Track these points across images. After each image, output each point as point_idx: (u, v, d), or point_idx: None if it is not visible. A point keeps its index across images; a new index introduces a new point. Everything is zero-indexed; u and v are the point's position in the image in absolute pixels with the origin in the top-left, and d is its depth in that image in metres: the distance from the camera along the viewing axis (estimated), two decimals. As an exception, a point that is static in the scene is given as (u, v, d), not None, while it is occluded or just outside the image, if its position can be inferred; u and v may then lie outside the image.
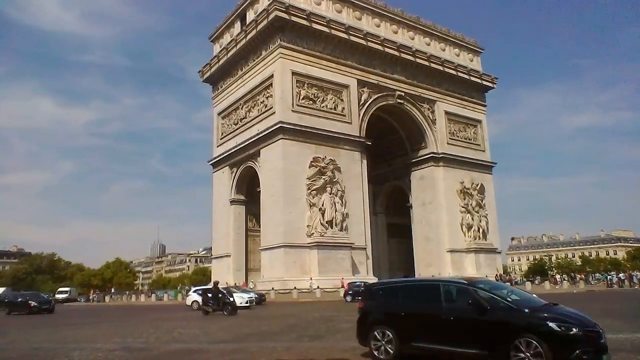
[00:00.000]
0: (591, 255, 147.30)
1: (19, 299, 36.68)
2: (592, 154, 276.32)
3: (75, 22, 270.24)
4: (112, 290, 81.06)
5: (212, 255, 65.63)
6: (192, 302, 32.49)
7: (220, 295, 25.73)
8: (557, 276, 74.02)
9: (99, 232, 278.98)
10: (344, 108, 52.48)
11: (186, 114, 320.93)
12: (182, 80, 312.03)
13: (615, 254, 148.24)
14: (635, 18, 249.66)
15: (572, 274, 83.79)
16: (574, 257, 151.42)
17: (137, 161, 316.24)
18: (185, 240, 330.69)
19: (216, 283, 28.89)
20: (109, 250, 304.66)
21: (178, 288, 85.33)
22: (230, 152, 56.23)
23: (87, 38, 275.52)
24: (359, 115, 53.63)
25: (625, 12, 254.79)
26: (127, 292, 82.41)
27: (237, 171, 56.52)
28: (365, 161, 53.44)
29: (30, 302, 34.47)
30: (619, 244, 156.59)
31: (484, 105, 68.33)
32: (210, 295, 26.13)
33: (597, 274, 75.33)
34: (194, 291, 35.07)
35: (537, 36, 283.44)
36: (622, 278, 56.27)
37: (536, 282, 64.90)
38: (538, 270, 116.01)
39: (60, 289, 74.78)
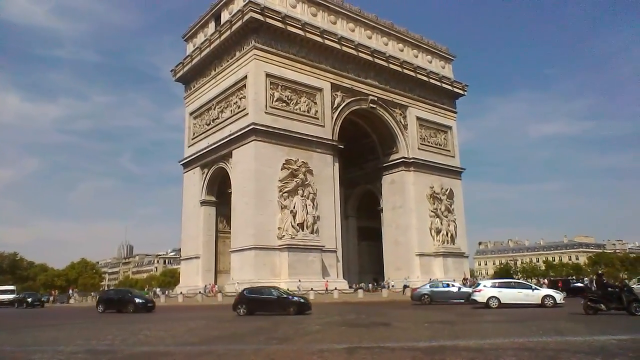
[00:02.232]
0: (554, 260, 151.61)
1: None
2: (557, 162, 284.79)
3: (45, 16, 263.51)
4: (70, 291, 78.30)
5: (181, 256, 64.81)
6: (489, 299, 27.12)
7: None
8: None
9: (64, 231, 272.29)
10: (317, 111, 52.69)
11: (158, 113, 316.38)
12: (154, 78, 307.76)
13: (577, 259, 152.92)
14: (602, 30, 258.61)
15: (537, 279, 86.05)
16: (538, 261, 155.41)
17: (107, 160, 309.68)
18: (153, 241, 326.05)
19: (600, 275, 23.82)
20: (74, 251, 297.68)
21: (145, 289, 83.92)
22: (201, 152, 55.71)
23: (57, 32, 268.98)
24: (332, 118, 53.92)
25: (592, 24, 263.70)
26: (92, 293, 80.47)
27: (208, 172, 56.02)
28: (337, 164, 53.74)
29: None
30: (581, 249, 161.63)
31: (455, 112, 69.62)
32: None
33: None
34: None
35: (508, 46, 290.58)
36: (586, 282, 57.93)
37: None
38: (504, 275, 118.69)
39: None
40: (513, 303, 26.39)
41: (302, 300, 25.66)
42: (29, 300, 50.73)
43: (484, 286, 28.05)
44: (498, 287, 27.62)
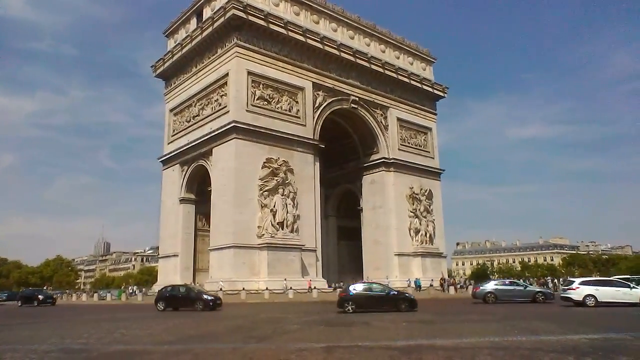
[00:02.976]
0: (530, 261, 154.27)
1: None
2: (534, 164, 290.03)
3: (23, 7, 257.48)
4: (44, 289, 76.74)
5: (159, 254, 64.10)
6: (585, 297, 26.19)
7: None
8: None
9: (40, 228, 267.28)
10: (298, 110, 52.65)
11: (137, 109, 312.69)
12: (134, 74, 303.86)
13: (552, 260, 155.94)
14: (579, 37, 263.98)
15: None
16: (514, 262, 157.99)
17: (84, 156, 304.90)
18: (131, 239, 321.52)
19: None
20: (50, 248, 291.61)
21: (122, 287, 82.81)
22: (181, 149, 55.16)
23: (34, 25, 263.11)
24: (314, 118, 53.94)
25: (570, 30, 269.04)
26: (67, 290, 79.07)
27: (187, 169, 55.51)
28: (318, 164, 53.79)
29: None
30: (556, 250, 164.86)
31: (435, 114, 70.28)
32: None
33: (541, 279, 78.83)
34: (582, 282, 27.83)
35: (487, 49, 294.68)
36: (556, 283, 59.39)
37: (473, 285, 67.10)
38: (481, 275, 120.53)
39: None
40: (611, 302, 25.68)
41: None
42: (41, 297, 45.47)
43: (580, 284, 27.05)
44: (594, 285, 26.85)
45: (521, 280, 43.22)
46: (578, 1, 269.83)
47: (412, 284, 51.23)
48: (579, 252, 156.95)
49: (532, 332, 14.18)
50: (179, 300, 29.63)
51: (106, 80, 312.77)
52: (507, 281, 36.97)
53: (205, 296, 28.93)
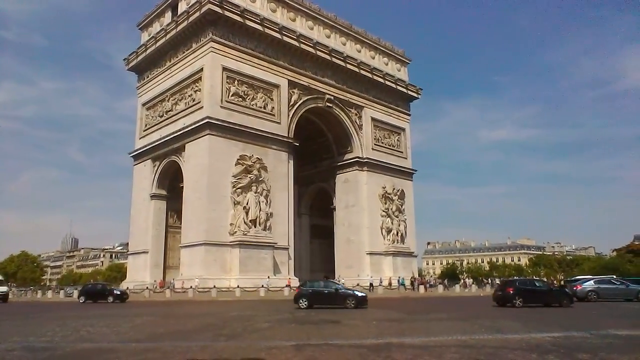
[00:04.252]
0: (498, 261, 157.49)
1: None
2: (504, 166, 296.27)
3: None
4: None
5: (128, 251, 63.02)
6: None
7: None
8: (468, 280, 78.35)
9: (4, 222, 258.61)
10: (273, 107, 52.50)
11: (109, 102, 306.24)
12: (106, 66, 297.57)
13: (519, 260, 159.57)
14: (550, 43, 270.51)
15: (481, 279, 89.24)
16: (483, 262, 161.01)
17: (53, 149, 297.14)
18: (100, 235, 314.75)
19: None
20: (15, 243, 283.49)
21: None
22: (153, 144, 54.35)
23: (1, 13, 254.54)
24: (289, 116, 53.87)
25: (542, 36, 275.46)
26: (32, 287, 76.90)
27: (159, 165, 54.74)
28: (292, 162, 53.78)
29: None
30: (523, 251, 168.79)
31: (409, 114, 71.07)
32: None
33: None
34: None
35: (461, 52, 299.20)
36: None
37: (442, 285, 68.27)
38: (450, 274, 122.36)
39: None
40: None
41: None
42: (117, 292, 38.54)
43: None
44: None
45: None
46: (550, 8, 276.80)
47: (396, 282, 52.30)
48: (545, 252, 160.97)
49: (498, 331, 14.50)
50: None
51: (77, 72, 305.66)
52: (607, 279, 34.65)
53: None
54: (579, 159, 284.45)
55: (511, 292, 25.86)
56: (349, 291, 27.53)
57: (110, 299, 36.71)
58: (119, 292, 38.25)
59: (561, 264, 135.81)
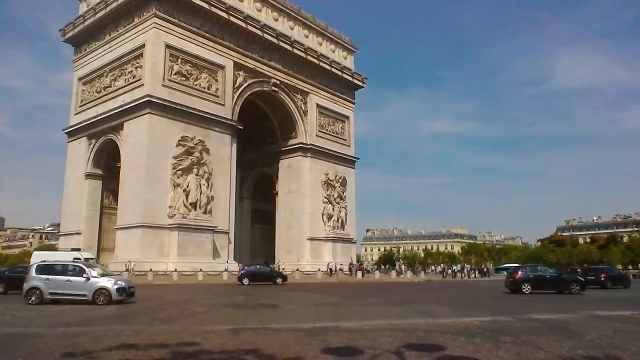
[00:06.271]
0: (433, 249, 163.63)
1: None
2: (442, 157, 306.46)
3: None
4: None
5: (60, 231, 60.18)
6: None
7: None
8: (403, 267, 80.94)
9: None
10: (217, 89, 51.44)
11: (43, 75, 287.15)
12: (41, 36, 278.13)
13: (452, 248, 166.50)
14: (490, 40, 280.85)
15: (415, 265, 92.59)
16: (419, 249, 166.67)
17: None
18: (30, 214, 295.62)
19: None
20: None
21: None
22: (89, 121, 51.88)
23: None
24: (233, 98, 52.99)
25: (482, 32, 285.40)
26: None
27: (95, 143, 52.39)
28: (235, 145, 53.08)
29: None
30: (456, 239, 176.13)
31: (353, 103, 71.80)
32: None
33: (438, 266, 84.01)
34: None
35: (406, 44, 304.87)
36: (456, 270, 63.72)
37: (379, 271, 70.21)
38: (387, 261, 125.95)
39: None
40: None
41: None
42: (279, 281, 37.67)
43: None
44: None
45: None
46: (492, 6, 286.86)
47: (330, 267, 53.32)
48: (476, 241, 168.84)
49: (430, 315, 15.17)
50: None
51: (6, 41, 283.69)
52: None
53: None
54: (511, 153, 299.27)
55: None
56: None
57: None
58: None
59: (491, 252, 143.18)
